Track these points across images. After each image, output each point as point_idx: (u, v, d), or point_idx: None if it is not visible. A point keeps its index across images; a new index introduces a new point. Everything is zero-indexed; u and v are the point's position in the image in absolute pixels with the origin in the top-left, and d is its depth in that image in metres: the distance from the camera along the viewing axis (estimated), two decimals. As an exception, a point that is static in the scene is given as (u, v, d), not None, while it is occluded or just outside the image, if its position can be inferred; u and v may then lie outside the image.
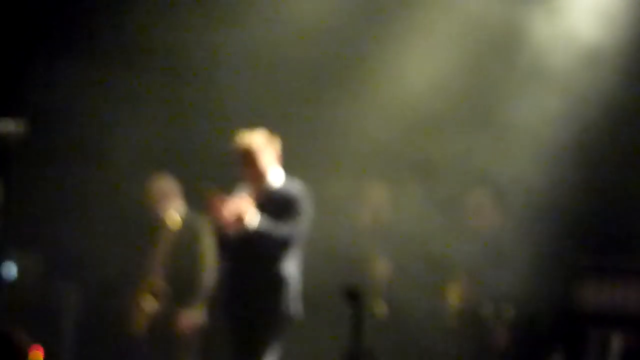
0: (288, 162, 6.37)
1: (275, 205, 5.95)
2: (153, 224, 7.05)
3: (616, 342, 6.56)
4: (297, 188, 5.99)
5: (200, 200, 6.38)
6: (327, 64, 7.49)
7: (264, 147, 5.95)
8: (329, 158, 7.33)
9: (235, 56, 7.55)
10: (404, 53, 7.38)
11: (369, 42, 7.46)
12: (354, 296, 5.55)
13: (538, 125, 7.16)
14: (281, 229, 5.89)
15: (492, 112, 7.28)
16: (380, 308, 7.25)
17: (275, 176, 5.96)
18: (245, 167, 5.98)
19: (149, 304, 6.79)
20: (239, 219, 5.84)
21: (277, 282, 6.02)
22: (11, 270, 7.62)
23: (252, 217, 5.83)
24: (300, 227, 5.99)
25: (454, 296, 7.17)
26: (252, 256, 6.00)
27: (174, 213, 6.91)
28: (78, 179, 7.58)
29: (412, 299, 7.19)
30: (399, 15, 7.41)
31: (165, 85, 7.55)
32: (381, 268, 7.34)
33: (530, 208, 7.09)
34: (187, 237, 6.94)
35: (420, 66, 7.31)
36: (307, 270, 6.74)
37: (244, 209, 5.84)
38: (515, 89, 7.25)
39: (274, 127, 6.19)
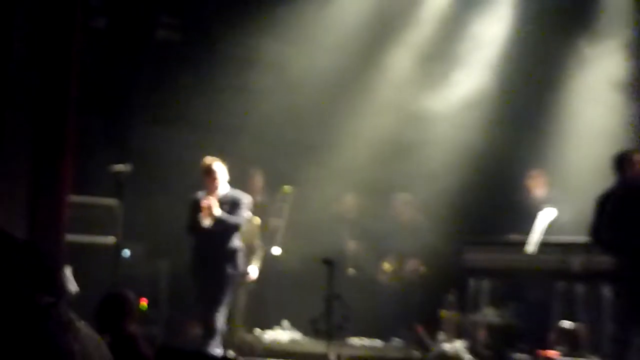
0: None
1: (226, 204, 7.47)
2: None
3: (486, 285, 7.91)
4: (241, 194, 7.61)
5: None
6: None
7: (221, 167, 7.50)
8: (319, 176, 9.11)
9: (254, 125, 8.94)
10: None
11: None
12: (328, 263, 7.45)
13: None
14: (233, 218, 7.47)
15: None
16: (350, 270, 9.37)
17: (224, 187, 7.54)
18: (209, 178, 7.43)
19: None
20: (210, 210, 7.40)
21: (232, 252, 7.51)
22: (126, 253, 8.41)
23: (217, 209, 7.46)
24: (243, 217, 7.57)
25: (388, 265, 9.08)
26: (215, 234, 7.38)
27: None
28: (167, 203, 8.64)
29: (366, 266, 9.09)
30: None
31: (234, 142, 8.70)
32: (350, 247, 9.55)
33: (439, 204, 8.77)
34: None
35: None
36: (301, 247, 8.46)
37: (213, 204, 7.44)
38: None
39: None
